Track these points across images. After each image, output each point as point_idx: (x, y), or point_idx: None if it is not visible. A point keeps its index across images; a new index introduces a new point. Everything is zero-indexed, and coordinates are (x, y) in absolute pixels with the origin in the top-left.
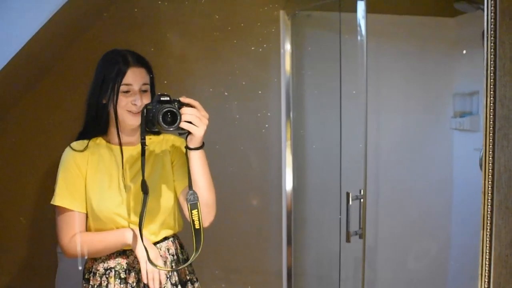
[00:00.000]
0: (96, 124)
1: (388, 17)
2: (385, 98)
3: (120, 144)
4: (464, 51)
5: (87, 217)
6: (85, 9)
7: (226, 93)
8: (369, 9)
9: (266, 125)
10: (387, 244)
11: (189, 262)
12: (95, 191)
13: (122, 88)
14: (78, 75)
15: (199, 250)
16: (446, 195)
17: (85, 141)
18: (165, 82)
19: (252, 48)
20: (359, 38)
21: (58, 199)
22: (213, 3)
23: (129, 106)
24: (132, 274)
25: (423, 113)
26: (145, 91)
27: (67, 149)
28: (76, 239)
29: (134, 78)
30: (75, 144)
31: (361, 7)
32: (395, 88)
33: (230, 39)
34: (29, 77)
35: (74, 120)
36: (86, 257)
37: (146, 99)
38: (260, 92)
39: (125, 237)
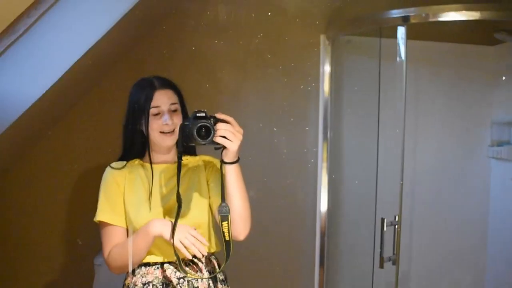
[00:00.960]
0: (133, 148)
1: (428, 44)
2: (423, 125)
3: (151, 162)
4: (504, 78)
5: (128, 231)
6: (137, 38)
7: (275, 129)
8: (409, 35)
9: (312, 160)
10: (420, 272)
11: (219, 270)
12: (132, 206)
13: (152, 111)
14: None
15: (228, 260)
16: (482, 225)
17: (124, 162)
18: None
19: (301, 87)
20: (398, 62)
21: (100, 215)
22: (266, 42)
23: (161, 127)
24: (170, 287)
25: (461, 141)
26: (174, 110)
27: (107, 168)
28: (113, 249)
29: (161, 99)
30: (114, 164)
31: (401, 32)
32: (433, 115)
33: (281, 77)
34: (73, 98)
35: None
36: (126, 269)
37: (177, 118)
38: (307, 128)
39: (149, 226)
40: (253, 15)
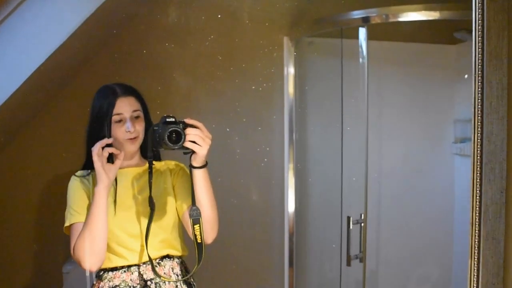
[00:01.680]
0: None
1: (389, 44)
2: (387, 123)
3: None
4: (466, 76)
5: None
6: (91, 44)
7: (227, 129)
8: (370, 36)
9: (265, 159)
10: (388, 268)
11: (191, 273)
12: None
13: (114, 118)
14: (83, 110)
15: (201, 263)
16: (447, 220)
17: (88, 170)
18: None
19: (253, 87)
20: (360, 63)
21: (68, 221)
22: (217, 44)
23: (125, 134)
24: None
25: (425, 138)
26: (137, 117)
27: (72, 177)
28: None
29: (124, 107)
30: (79, 172)
31: (362, 33)
32: (397, 114)
33: (233, 79)
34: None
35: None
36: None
37: (139, 125)
38: (260, 128)
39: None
40: (203, 17)
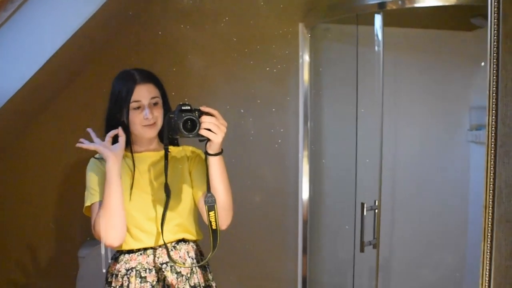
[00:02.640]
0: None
1: (405, 31)
2: (402, 110)
3: (132, 152)
4: (483, 63)
5: None
6: (108, 27)
7: (242, 110)
8: (386, 23)
9: (279, 141)
10: (401, 254)
11: (206, 259)
12: None
13: (133, 105)
14: (99, 93)
15: (215, 249)
16: (462, 207)
17: None
18: (186, 100)
19: (267, 69)
20: (376, 50)
21: (89, 201)
22: (232, 26)
23: (142, 121)
24: (152, 272)
25: (440, 126)
26: (155, 104)
27: (91, 159)
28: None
29: (142, 94)
30: (98, 155)
31: (378, 20)
32: (412, 101)
33: (247, 61)
34: (52, 91)
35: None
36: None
37: (158, 112)
38: (273, 109)
39: (108, 171)
40: None
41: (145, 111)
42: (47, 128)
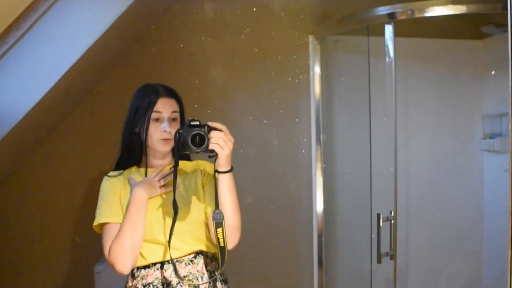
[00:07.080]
0: (131, 153)
1: (417, 40)
2: (415, 120)
3: (146, 166)
4: (493, 72)
5: None
6: (129, 40)
7: (265, 121)
8: (397, 33)
9: (303, 151)
10: (418, 265)
11: (214, 277)
12: None
13: (153, 115)
14: (120, 104)
15: (224, 266)
16: (477, 216)
17: (120, 171)
18: (209, 111)
19: (289, 79)
20: (387, 60)
21: (98, 219)
22: (253, 37)
23: (160, 135)
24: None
25: (453, 135)
26: (174, 119)
27: (104, 178)
28: (112, 243)
29: (164, 106)
30: (111, 173)
31: (388, 30)
32: (424, 110)
33: (269, 71)
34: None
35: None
36: (129, 261)
37: (175, 128)
38: (296, 119)
39: (134, 195)
40: (238, 11)
41: (164, 123)
42: (67, 140)
